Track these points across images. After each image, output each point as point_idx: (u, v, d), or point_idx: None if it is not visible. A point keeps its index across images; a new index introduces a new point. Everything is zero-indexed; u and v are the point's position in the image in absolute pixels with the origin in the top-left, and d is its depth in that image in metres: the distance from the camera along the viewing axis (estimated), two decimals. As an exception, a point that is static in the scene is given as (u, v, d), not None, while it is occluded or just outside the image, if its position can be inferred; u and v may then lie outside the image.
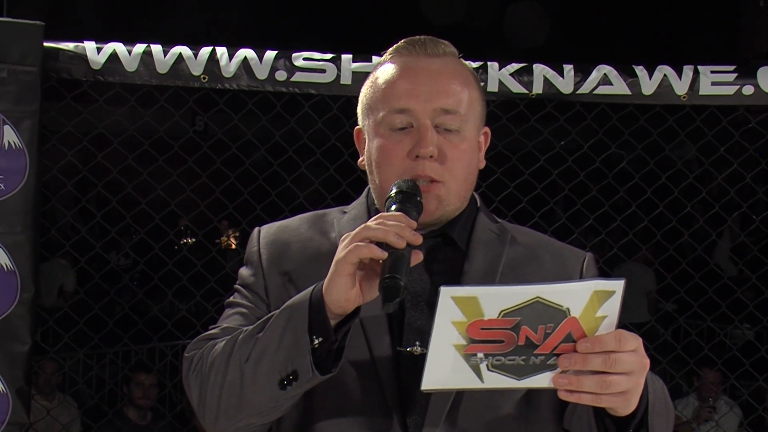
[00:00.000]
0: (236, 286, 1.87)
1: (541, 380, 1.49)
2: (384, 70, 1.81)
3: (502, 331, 1.45)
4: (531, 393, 1.74)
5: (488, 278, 1.78)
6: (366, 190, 1.89)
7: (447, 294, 1.44)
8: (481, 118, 1.83)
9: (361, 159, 1.85)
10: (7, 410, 3.39)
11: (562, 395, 1.49)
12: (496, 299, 1.44)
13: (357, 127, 1.88)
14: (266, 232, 1.87)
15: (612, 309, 1.45)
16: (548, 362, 1.48)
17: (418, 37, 1.83)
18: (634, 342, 1.48)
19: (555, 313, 1.44)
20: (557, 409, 1.78)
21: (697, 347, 5.80)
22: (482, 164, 1.85)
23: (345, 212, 1.88)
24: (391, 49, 1.84)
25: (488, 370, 1.48)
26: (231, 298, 1.86)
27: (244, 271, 1.86)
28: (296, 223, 1.88)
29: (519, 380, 1.49)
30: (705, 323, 6.97)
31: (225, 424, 1.70)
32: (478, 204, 1.88)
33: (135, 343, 6.90)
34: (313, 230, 1.85)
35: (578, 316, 1.44)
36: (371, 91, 1.82)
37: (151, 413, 5.85)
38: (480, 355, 1.47)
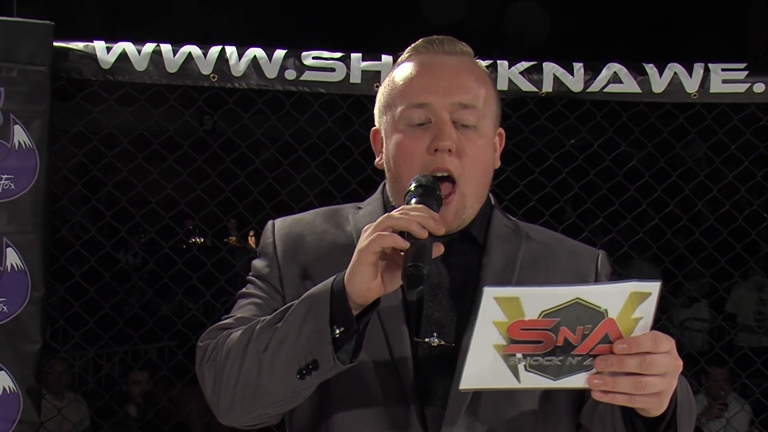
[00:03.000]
0: (250, 277, 1.87)
1: (577, 381, 1.50)
2: (402, 68, 1.82)
3: (541, 332, 1.46)
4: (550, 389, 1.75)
5: (507, 273, 1.79)
6: (381, 187, 1.89)
7: (490, 294, 1.44)
8: (497, 117, 1.84)
9: (378, 159, 1.86)
10: (18, 409, 3.39)
11: (597, 396, 1.49)
12: (538, 300, 1.44)
13: (374, 128, 1.88)
14: (281, 224, 1.88)
15: (648, 310, 1.46)
16: (584, 363, 1.48)
17: (435, 36, 1.84)
18: (668, 343, 1.49)
19: (593, 314, 1.45)
20: (575, 403, 1.79)
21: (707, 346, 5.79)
22: (497, 164, 1.86)
23: (360, 208, 1.89)
24: (409, 48, 1.86)
25: (525, 370, 1.49)
26: (244, 289, 1.86)
27: (258, 263, 1.86)
28: (311, 216, 1.89)
29: (555, 380, 1.49)
30: (716, 322, 6.98)
31: (239, 413, 1.70)
32: (493, 202, 1.89)
33: (145, 343, 6.91)
34: (328, 223, 1.86)
35: (615, 317, 1.45)
36: (389, 89, 1.83)
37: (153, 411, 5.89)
38: (519, 355, 1.48)
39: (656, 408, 1.53)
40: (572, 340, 1.46)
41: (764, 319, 8.21)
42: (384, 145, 1.83)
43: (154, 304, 6.91)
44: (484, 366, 1.48)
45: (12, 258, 3.38)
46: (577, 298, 1.44)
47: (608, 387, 1.47)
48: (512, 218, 1.91)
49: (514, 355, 1.48)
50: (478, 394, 1.71)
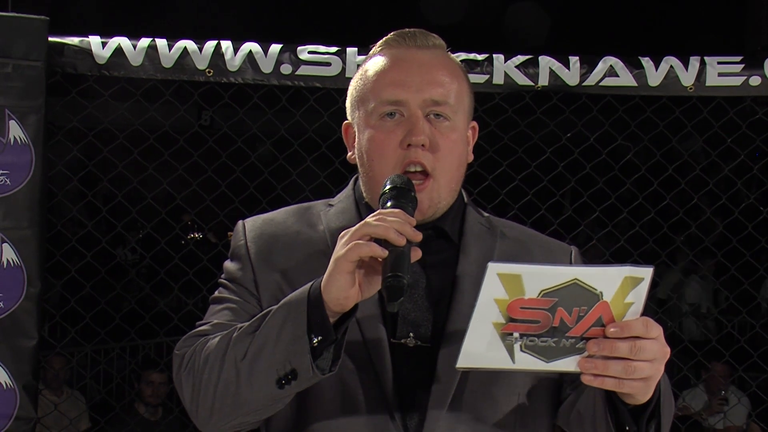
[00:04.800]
0: (222, 280, 1.83)
1: (568, 364, 1.51)
2: (374, 62, 1.80)
3: (539, 312, 1.47)
4: (529, 387, 1.75)
5: (483, 272, 1.77)
6: (351, 182, 1.88)
7: (493, 270, 1.46)
8: (470, 111, 1.83)
9: (350, 154, 1.84)
10: (15, 405, 3.39)
11: (586, 379, 1.50)
12: (538, 278, 1.46)
13: (345, 122, 1.86)
14: (252, 225, 1.84)
15: (639, 296, 1.48)
16: (577, 346, 1.50)
17: (407, 29, 1.83)
18: (657, 330, 1.50)
19: (589, 296, 1.47)
20: (553, 403, 1.79)
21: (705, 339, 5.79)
22: (471, 158, 1.85)
23: (331, 205, 1.86)
24: (380, 41, 1.84)
25: (521, 350, 1.50)
26: (217, 293, 1.82)
27: (231, 266, 1.83)
28: (282, 215, 1.85)
29: (548, 362, 1.51)
30: (712, 315, 6.99)
31: (219, 422, 1.68)
32: (466, 199, 1.87)
33: (142, 338, 6.90)
34: (300, 223, 1.83)
35: (609, 300, 1.47)
36: (361, 83, 1.81)
37: (162, 408, 5.88)
38: (516, 335, 1.49)
39: (643, 394, 1.54)
40: (567, 321, 1.47)
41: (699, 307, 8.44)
42: (356, 139, 1.81)
43: (152, 300, 6.92)
44: (481, 345, 1.49)
45: (8, 254, 3.38)
46: (576, 278, 1.45)
47: (599, 370, 1.49)
48: (485, 213, 1.89)
49: (512, 334, 1.49)
50: (459, 393, 1.70)
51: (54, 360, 5.78)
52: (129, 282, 7.47)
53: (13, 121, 3.37)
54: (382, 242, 1.55)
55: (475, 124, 1.86)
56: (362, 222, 1.58)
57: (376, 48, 1.84)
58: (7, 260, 3.37)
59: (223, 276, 1.84)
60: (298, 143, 4.14)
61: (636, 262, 1.51)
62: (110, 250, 4.79)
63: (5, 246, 3.37)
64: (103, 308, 4.26)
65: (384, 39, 1.83)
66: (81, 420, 5.77)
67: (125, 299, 6.77)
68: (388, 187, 1.67)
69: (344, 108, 1.88)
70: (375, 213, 1.60)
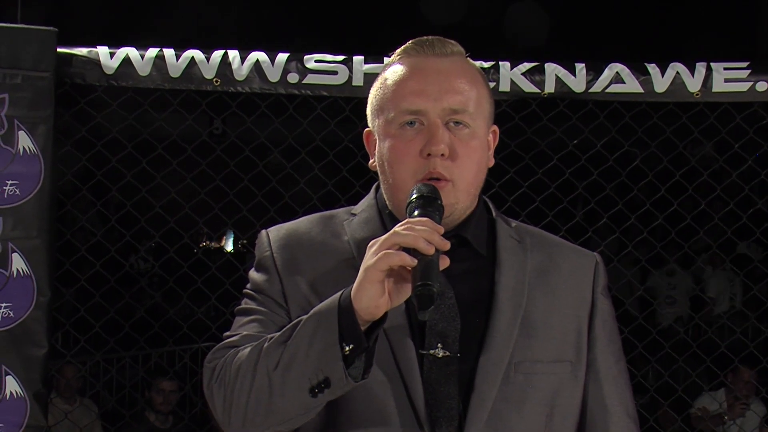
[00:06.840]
0: (248, 291, 1.83)
1: None
2: (393, 70, 1.81)
3: None
4: (558, 403, 1.76)
5: (517, 290, 1.78)
6: (373, 190, 1.88)
7: None
8: (489, 116, 1.83)
9: (371, 161, 1.84)
10: (25, 414, 3.41)
11: None
12: None
13: (366, 129, 1.87)
14: (276, 235, 1.84)
15: None
16: None
17: (426, 37, 1.83)
18: None
19: None
20: (576, 423, 1.80)
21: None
22: (491, 162, 1.85)
23: (354, 213, 1.86)
24: (399, 50, 1.84)
25: None
26: (243, 305, 1.82)
27: (257, 276, 1.82)
28: (305, 225, 1.86)
29: None
30: (721, 320, 6.98)
31: (252, 431, 1.69)
32: (494, 213, 1.87)
33: (152, 347, 6.92)
34: (324, 233, 1.83)
35: None
36: (381, 92, 1.81)
37: (172, 417, 5.90)
38: None
39: None
40: None
41: (674, 303, 8.78)
42: (377, 147, 1.81)
43: (162, 309, 6.94)
44: None
45: (18, 263, 3.40)
46: None
47: None
48: (511, 222, 1.89)
49: None
50: (494, 407, 1.71)
51: (66, 369, 5.81)
52: (139, 290, 7.51)
53: (23, 132, 3.40)
54: (410, 251, 1.56)
55: (495, 128, 1.86)
56: (391, 231, 1.60)
57: (394, 56, 1.84)
58: (17, 270, 3.40)
59: (248, 286, 1.84)
60: (306, 151, 4.15)
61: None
62: (120, 259, 4.81)
63: (15, 256, 3.39)
64: (114, 317, 4.28)
65: (402, 47, 1.84)
66: (93, 428, 5.78)
67: (135, 308, 6.81)
68: (414, 196, 1.68)
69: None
70: (403, 222, 1.61)
